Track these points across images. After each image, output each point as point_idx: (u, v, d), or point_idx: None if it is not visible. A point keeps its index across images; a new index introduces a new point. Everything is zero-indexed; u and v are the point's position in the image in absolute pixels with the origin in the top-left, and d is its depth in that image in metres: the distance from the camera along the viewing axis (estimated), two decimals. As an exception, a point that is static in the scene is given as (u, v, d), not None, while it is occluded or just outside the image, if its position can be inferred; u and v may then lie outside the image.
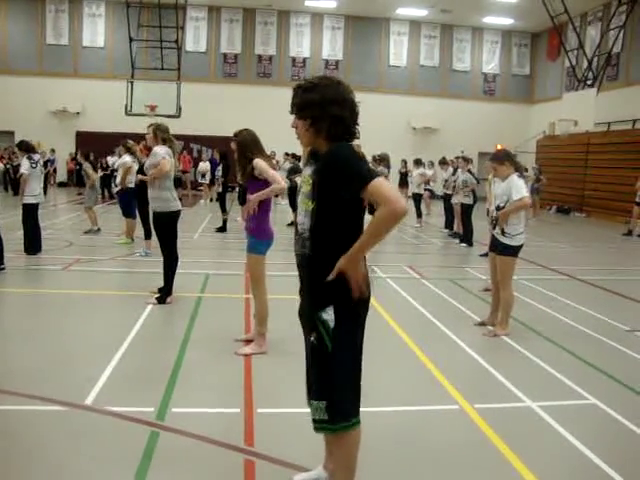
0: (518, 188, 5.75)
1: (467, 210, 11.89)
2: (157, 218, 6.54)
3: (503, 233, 5.81)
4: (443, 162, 15.39)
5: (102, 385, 4.17)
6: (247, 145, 5.08)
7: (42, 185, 9.53)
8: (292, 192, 12.16)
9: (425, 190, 16.79)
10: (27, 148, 9.13)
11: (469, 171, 12.14)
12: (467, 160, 12.77)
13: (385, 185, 2.43)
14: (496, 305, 6.06)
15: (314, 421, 2.65)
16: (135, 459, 3.17)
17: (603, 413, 4.05)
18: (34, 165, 8.93)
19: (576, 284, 8.60)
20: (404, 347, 5.37)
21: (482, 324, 6.13)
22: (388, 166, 13.43)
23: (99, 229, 11.60)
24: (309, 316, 2.63)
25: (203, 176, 19.58)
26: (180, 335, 5.39)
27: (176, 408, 3.85)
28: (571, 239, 14.24)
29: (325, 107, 2.56)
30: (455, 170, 13.19)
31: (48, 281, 7.71)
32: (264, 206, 5.04)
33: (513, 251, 5.84)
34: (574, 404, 4.22)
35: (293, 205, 12.60)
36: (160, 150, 6.64)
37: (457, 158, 13.58)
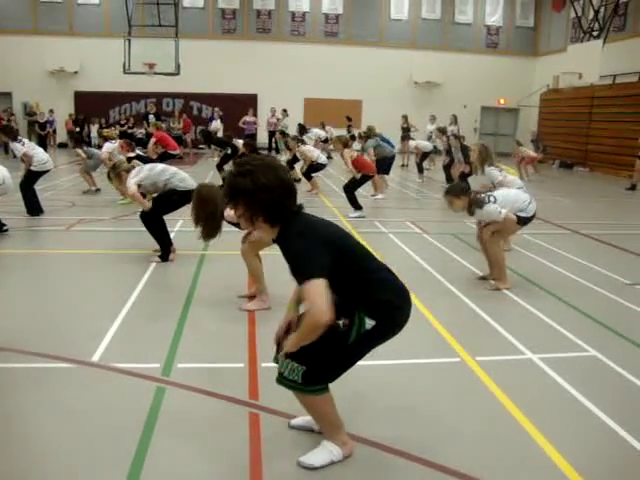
0: (490, 215, 5.70)
1: (465, 176, 11.80)
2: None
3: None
4: (442, 132, 15.07)
5: (108, 342, 4.22)
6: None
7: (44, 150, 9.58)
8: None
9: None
10: (14, 135, 9.15)
11: (462, 148, 12.06)
12: (458, 137, 12.84)
13: (318, 291, 2.42)
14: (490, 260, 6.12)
15: (283, 377, 2.75)
16: (142, 414, 3.23)
17: (603, 365, 4.10)
18: (21, 143, 8.99)
19: (577, 238, 8.60)
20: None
21: (483, 278, 6.16)
22: (385, 139, 13.30)
23: (98, 189, 11.57)
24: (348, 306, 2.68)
25: (216, 134, 19.36)
26: (184, 292, 5.44)
27: (181, 364, 3.91)
28: (573, 194, 14.19)
29: (255, 195, 2.55)
30: (449, 149, 13.16)
31: (51, 241, 7.74)
32: None
33: (523, 219, 5.85)
34: (574, 356, 4.27)
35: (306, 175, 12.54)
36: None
37: (449, 137, 13.51)
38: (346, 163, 9.97)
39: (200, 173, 14.98)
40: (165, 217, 6.67)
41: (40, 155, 9.06)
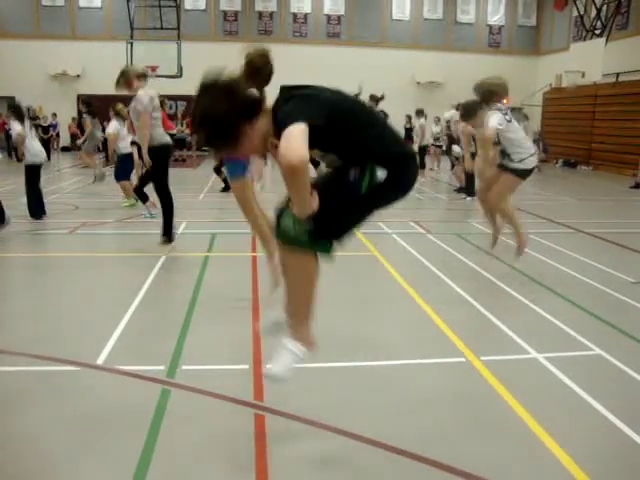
0: (487, 118, 5.96)
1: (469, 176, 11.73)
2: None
3: (510, 159, 5.83)
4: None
5: (113, 344, 4.23)
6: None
7: (42, 146, 9.50)
8: None
9: (433, 146, 16.68)
10: (20, 115, 8.97)
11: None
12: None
13: (293, 132, 2.31)
14: (491, 217, 6.23)
15: (282, 230, 2.62)
16: (148, 416, 3.24)
17: (608, 364, 4.09)
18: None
19: (582, 237, 8.58)
20: (410, 302, 5.40)
21: (495, 240, 6.29)
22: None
23: (104, 174, 11.65)
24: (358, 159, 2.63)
25: None
26: (188, 294, 5.44)
27: (186, 366, 3.91)
28: (577, 193, 14.15)
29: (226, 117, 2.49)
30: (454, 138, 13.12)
31: (54, 244, 7.75)
32: None
33: (523, 173, 5.89)
34: (579, 355, 4.26)
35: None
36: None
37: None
38: None
39: (203, 176, 15.02)
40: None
41: (34, 145, 8.95)
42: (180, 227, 8.37)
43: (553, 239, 8.17)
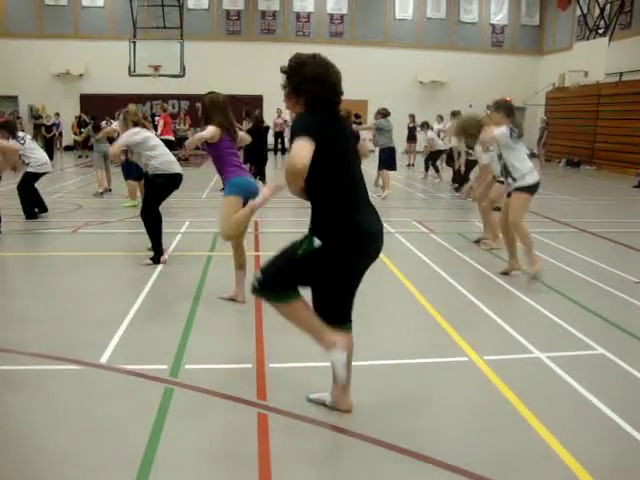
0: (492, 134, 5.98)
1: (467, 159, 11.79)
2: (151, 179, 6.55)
3: (513, 180, 5.95)
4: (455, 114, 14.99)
5: (116, 344, 4.23)
6: (206, 109, 5.23)
7: (45, 146, 9.49)
8: None
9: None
10: (11, 130, 8.67)
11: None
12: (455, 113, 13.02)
13: (300, 144, 2.80)
14: (511, 248, 6.15)
15: (253, 286, 3.13)
16: (151, 415, 3.24)
17: (611, 363, 4.08)
18: (22, 142, 8.84)
19: (585, 237, 8.57)
20: (413, 301, 5.40)
21: (505, 273, 6.19)
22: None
23: (104, 191, 11.56)
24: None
25: None
26: (191, 293, 5.44)
27: (189, 365, 3.91)
28: (580, 192, 14.13)
29: (303, 83, 2.98)
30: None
31: (57, 244, 7.76)
32: (223, 156, 5.16)
33: (528, 189, 5.94)
34: (583, 354, 4.25)
35: None
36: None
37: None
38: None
39: (205, 175, 15.01)
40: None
41: (37, 156, 9.02)
42: (183, 226, 8.38)
43: (556, 238, 8.16)
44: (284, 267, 3.04)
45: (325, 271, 3.01)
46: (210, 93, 5.38)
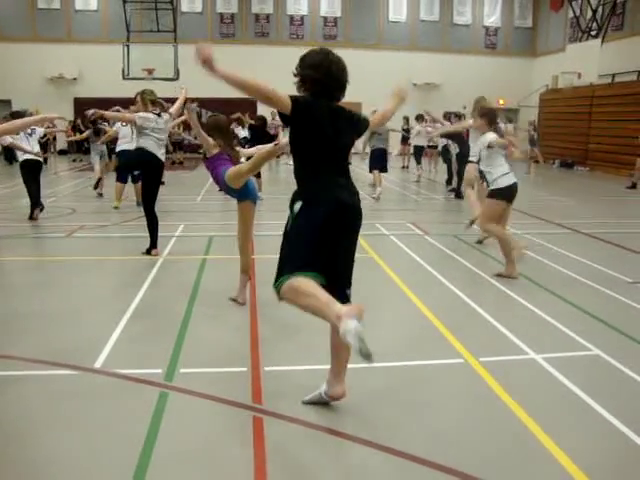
0: (484, 139, 6.31)
1: (458, 158, 11.82)
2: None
3: (487, 183, 6.36)
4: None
5: (110, 348, 4.22)
6: (209, 130, 5.40)
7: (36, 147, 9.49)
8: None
9: (428, 147, 16.69)
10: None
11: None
12: (459, 116, 13.11)
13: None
14: (508, 255, 6.27)
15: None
16: (146, 419, 3.23)
17: (606, 364, 4.09)
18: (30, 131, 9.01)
19: (579, 237, 8.59)
20: (408, 303, 5.40)
21: (500, 275, 6.26)
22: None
23: (100, 194, 11.64)
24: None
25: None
26: (186, 297, 5.43)
27: (184, 369, 3.90)
28: (574, 193, 14.17)
29: (304, 69, 3.23)
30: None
31: (52, 248, 7.74)
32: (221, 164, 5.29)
33: (499, 193, 6.16)
34: (578, 355, 4.26)
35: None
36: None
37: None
38: None
39: (200, 178, 15.01)
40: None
41: (25, 144, 9.04)
42: (177, 230, 8.36)
43: (550, 239, 8.18)
44: (290, 249, 3.14)
45: (305, 222, 3.10)
46: (212, 116, 5.63)
